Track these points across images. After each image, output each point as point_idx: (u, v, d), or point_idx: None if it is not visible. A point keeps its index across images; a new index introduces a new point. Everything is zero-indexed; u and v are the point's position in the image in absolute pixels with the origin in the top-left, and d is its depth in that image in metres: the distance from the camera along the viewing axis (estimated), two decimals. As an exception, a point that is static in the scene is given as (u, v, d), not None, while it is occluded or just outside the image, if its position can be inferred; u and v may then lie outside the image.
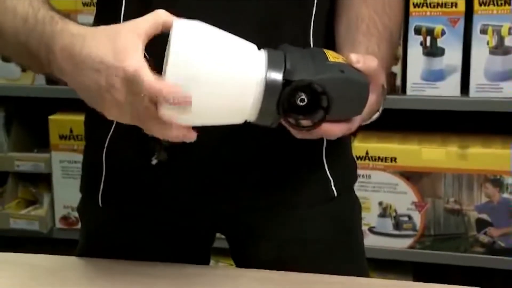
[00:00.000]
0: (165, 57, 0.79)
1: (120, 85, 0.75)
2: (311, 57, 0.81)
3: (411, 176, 1.69)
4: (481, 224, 1.68)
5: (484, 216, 1.68)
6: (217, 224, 1.02)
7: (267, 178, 0.97)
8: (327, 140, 0.97)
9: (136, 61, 0.75)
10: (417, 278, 1.78)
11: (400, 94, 1.69)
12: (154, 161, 0.84)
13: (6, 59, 1.87)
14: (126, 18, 0.91)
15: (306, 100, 0.77)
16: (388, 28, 0.94)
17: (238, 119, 0.80)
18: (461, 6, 1.62)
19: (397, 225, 1.72)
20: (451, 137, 1.72)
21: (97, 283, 0.94)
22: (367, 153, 1.70)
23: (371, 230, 1.73)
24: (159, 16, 0.78)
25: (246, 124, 0.81)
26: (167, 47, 0.78)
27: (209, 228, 1.03)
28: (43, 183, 1.98)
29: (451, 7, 1.62)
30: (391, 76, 1.67)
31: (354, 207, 1.08)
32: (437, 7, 1.62)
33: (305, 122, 0.79)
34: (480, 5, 1.60)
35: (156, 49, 0.78)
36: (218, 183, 0.95)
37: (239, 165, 0.95)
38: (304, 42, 0.94)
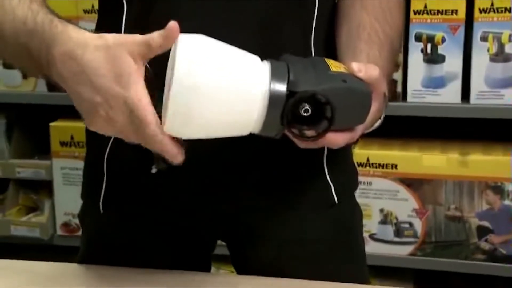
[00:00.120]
0: (167, 68, 0.79)
1: (118, 108, 0.76)
2: (313, 67, 0.81)
3: (412, 183, 1.69)
4: (482, 231, 1.68)
5: (485, 223, 1.68)
6: (217, 226, 1.01)
7: (268, 183, 0.97)
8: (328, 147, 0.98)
9: (138, 90, 0.76)
10: (418, 285, 1.78)
11: (400, 101, 1.69)
12: (153, 170, 0.84)
13: (7, 66, 1.87)
14: (128, 25, 0.91)
15: (310, 110, 0.78)
16: (389, 36, 0.94)
17: (242, 132, 0.80)
18: (462, 14, 1.62)
19: (398, 232, 1.72)
20: (452, 144, 1.72)
21: (98, 290, 0.94)
22: (368, 160, 1.70)
23: (372, 237, 1.73)
24: (153, 43, 0.77)
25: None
26: (169, 60, 0.79)
27: (210, 230, 1.02)
28: (44, 190, 1.98)
29: (452, 14, 1.62)
30: (392, 83, 1.67)
31: (355, 213, 1.08)
32: (437, 14, 1.63)
33: (309, 133, 0.79)
34: (481, 12, 1.60)
35: (158, 57, 0.78)
36: (218, 183, 0.95)
37: (239, 167, 0.94)
38: (305, 44, 0.94)
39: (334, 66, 0.82)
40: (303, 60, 0.83)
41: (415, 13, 1.63)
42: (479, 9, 1.60)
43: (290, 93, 0.77)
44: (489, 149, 1.69)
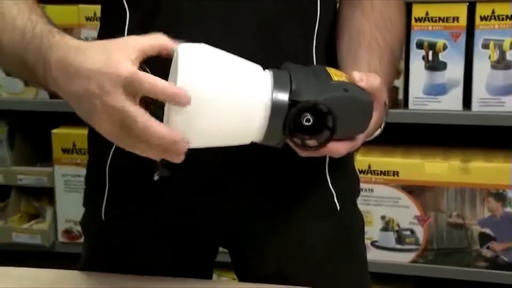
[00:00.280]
0: (169, 78, 0.79)
1: (113, 89, 0.74)
2: (315, 76, 0.81)
3: (414, 190, 1.69)
4: (484, 239, 1.68)
5: (487, 230, 1.67)
6: (218, 228, 1.01)
7: (269, 188, 0.97)
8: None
9: (129, 66, 0.75)
10: (420, 293, 1.78)
11: (402, 108, 1.69)
12: (156, 177, 0.84)
13: (9, 73, 1.87)
14: (130, 32, 0.92)
15: (311, 120, 0.78)
16: (390, 44, 0.95)
17: (244, 141, 0.81)
18: (463, 21, 1.62)
19: (400, 239, 1.72)
20: (453, 151, 1.72)
21: (99, 297, 0.94)
22: (369, 167, 1.70)
23: (373, 244, 1.73)
24: (158, 39, 0.78)
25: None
26: (171, 71, 0.79)
27: (211, 233, 1.02)
28: (45, 197, 1.98)
29: (453, 21, 1.62)
30: (393, 90, 1.67)
31: (356, 220, 1.08)
32: (438, 22, 1.63)
33: (311, 142, 0.80)
34: (482, 19, 1.61)
35: (157, 69, 0.78)
36: (218, 184, 0.95)
37: (240, 168, 0.94)
38: (306, 49, 0.95)
39: (336, 75, 0.83)
40: (305, 68, 0.84)
41: (416, 21, 1.64)
42: (480, 16, 1.61)
43: (292, 102, 0.78)
44: (491, 156, 1.69)
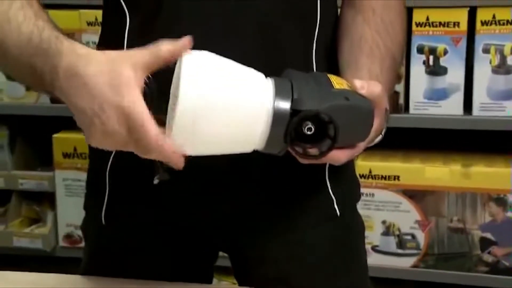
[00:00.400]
0: (172, 86, 0.80)
1: (114, 116, 0.76)
2: (316, 84, 0.82)
3: (415, 195, 1.69)
4: (485, 243, 1.68)
5: (488, 235, 1.67)
6: (218, 230, 1.01)
7: (268, 193, 0.97)
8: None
9: (133, 99, 0.76)
10: (420, 297, 1.77)
11: (403, 113, 1.69)
12: (156, 181, 0.85)
13: (10, 78, 1.87)
14: (130, 36, 0.92)
15: (313, 129, 0.78)
16: (391, 50, 0.95)
17: (245, 149, 0.81)
18: (464, 26, 1.62)
19: (401, 244, 1.72)
20: (454, 155, 1.72)
21: (100, 302, 0.94)
22: (370, 171, 1.70)
23: (374, 248, 1.73)
24: (161, 53, 0.78)
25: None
26: (174, 78, 0.79)
27: (211, 234, 1.02)
28: (46, 201, 1.99)
29: (454, 26, 1.62)
30: (394, 95, 1.67)
31: (357, 225, 1.08)
32: (439, 27, 1.63)
33: (312, 151, 0.80)
34: (482, 24, 1.61)
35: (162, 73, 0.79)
36: (218, 185, 0.95)
37: (241, 170, 0.95)
38: (306, 54, 0.95)
39: (337, 82, 0.83)
40: (306, 76, 0.84)
41: (417, 25, 1.64)
42: (481, 21, 1.61)
43: (294, 111, 0.78)
44: (492, 160, 1.69)
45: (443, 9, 1.64)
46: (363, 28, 0.95)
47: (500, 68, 1.63)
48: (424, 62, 1.66)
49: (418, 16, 1.64)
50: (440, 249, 1.70)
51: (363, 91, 0.82)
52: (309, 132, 0.78)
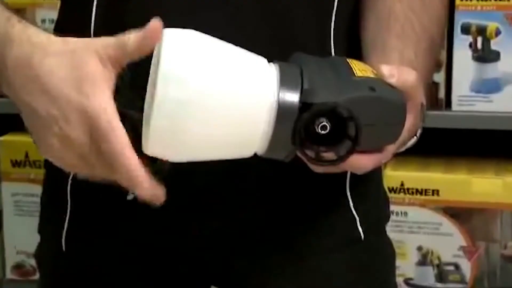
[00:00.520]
0: (150, 74, 0.80)
1: (76, 121, 0.76)
2: (333, 71, 0.82)
3: (458, 214, 1.69)
4: (548, 275, 1.68)
5: (551, 265, 1.68)
6: (209, 256, 1.01)
7: (272, 214, 0.98)
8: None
9: (101, 104, 0.76)
10: None
11: (444, 110, 1.70)
12: (130, 197, 0.85)
13: None
14: (99, 11, 0.92)
15: (328, 127, 0.78)
16: (428, 30, 0.95)
17: (244, 153, 0.81)
18: (521, -1, 1.63)
19: (441, 276, 1.72)
20: (509, 164, 1.73)
21: None
22: (402, 184, 1.71)
23: (407, 282, 1.73)
24: (127, 48, 0.77)
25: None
26: (152, 63, 0.79)
27: (199, 260, 1.02)
28: (-10, 222, 1.99)
29: (509, 0, 1.63)
30: (433, 86, 1.67)
31: (385, 253, 1.09)
32: (490, 0, 1.64)
33: (327, 155, 0.80)
34: (547, -3, 1.62)
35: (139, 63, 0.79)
36: (210, 198, 0.96)
37: (240, 198, 0.95)
38: (322, 36, 0.96)
39: (360, 69, 0.83)
40: (320, 61, 0.84)
41: (461, -1, 1.65)
42: (543, -7, 1.62)
43: (304, 105, 0.78)
44: (557, 170, 1.70)
45: (495, -23, 1.64)
46: (393, 3, 0.96)
47: None
48: (470, 45, 1.66)
49: (463, -14, 1.65)
50: (491, 283, 1.71)
51: (392, 80, 0.82)
52: (323, 131, 0.78)
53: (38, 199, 1.08)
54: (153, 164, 0.80)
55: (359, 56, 0.92)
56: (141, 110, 0.79)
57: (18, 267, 1.93)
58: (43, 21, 1.77)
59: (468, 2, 1.65)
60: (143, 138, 0.77)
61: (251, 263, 1.01)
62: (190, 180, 0.93)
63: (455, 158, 1.77)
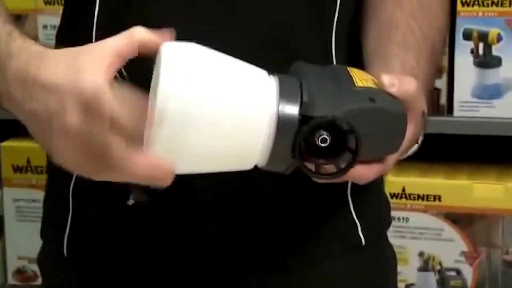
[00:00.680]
0: (151, 86, 0.80)
1: (74, 108, 0.74)
2: (333, 81, 0.82)
3: (460, 219, 1.69)
4: (550, 281, 1.68)
5: (553, 270, 1.68)
6: (210, 270, 1.01)
7: (272, 222, 0.98)
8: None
9: (96, 80, 0.74)
10: None
11: (445, 115, 1.70)
12: (130, 202, 0.85)
13: None
14: (101, 17, 0.92)
15: (328, 140, 0.78)
16: (429, 37, 0.95)
17: (244, 165, 0.81)
18: (522, 5, 1.63)
19: (443, 282, 1.72)
20: (511, 170, 1.73)
21: None
22: (403, 190, 1.71)
23: (409, 288, 1.73)
24: (134, 34, 0.77)
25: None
26: (153, 75, 0.79)
27: (201, 271, 1.02)
28: (-8, 227, 1.99)
29: (510, 6, 1.63)
30: (434, 92, 1.67)
31: (387, 258, 1.09)
32: (491, 6, 1.64)
33: (328, 168, 0.80)
34: (547, 2, 1.62)
35: (138, 69, 0.79)
36: (211, 209, 0.96)
37: (241, 205, 0.95)
38: (323, 42, 0.96)
39: (360, 79, 0.83)
40: (320, 70, 0.84)
41: (463, 5, 1.64)
42: (544, -2, 1.62)
43: (304, 118, 0.78)
44: (559, 176, 1.70)
45: (497, -17, 1.65)
46: (394, 11, 0.96)
47: None
48: (472, 51, 1.66)
49: (465, -8, 1.65)
50: (492, 289, 1.71)
51: (393, 90, 0.82)
52: (323, 144, 0.78)
53: (39, 205, 1.08)
54: None
55: (360, 64, 0.92)
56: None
57: (19, 272, 1.93)
58: (45, 27, 1.78)
59: (470, 8, 1.65)
60: (144, 146, 0.77)
61: (251, 269, 1.01)
62: (191, 194, 0.93)
63: (457, 164, 1.77)
